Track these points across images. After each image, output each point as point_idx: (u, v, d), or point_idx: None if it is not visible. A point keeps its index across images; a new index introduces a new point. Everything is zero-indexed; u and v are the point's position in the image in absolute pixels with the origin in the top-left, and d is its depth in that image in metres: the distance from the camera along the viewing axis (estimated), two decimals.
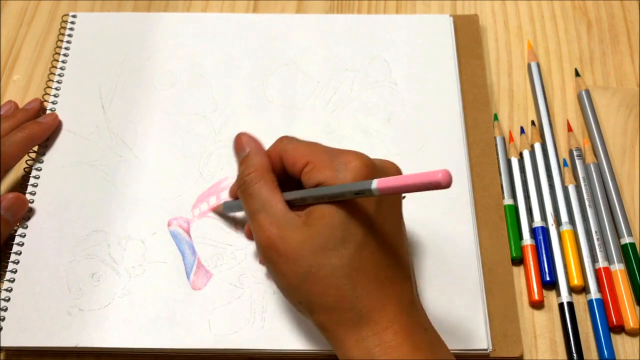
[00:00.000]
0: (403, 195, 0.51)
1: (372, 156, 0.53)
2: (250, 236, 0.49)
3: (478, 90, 0.57)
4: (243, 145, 0.45)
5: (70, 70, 0.58)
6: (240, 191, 0.43)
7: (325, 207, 0.40)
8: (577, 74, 0.60)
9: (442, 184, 0.33)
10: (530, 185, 0.54)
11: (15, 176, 0.55)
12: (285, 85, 0.57)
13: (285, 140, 0.44)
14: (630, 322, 0.48)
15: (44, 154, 0.54)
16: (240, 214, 0.51)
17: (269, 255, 0.41)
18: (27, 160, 0.54)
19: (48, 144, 0.54)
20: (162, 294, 0.48)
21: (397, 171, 0.43)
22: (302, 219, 0.40)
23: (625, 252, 0.50)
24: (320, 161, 0.41)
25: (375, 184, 0.37)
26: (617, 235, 0.51)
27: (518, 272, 0.51)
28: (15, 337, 0.46)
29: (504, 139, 0.56)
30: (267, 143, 0.54)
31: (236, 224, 0.51)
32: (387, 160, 0.43)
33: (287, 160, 0.43)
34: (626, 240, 0.51)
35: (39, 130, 0.53)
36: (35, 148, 0.54)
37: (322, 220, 0.39)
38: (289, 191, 0.42)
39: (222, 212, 0.51)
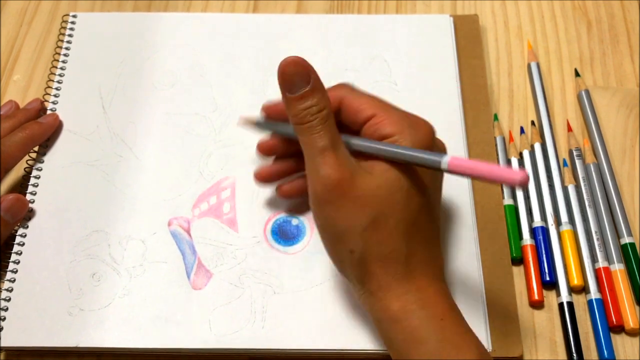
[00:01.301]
0: None
1: None
2: (285, 194, 0.49)
3: (478, 90, 0.57)
4: (308, 73, 0.40)
5: (70, 70, 0.58)
6: (308, 126, 0.40)
7: (387, 163, 0.40)
8: (577, 74, 0.60)
9: (517, 184, 0.35)
10: (530, 185, 0.54)
11: (15, 176, 0.55)
12: None
13: (345, 87, 0.44)
14: (630, 322, 0.48)
15: (44, 154, 0.54)
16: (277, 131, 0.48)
17: (332, 197, 0.40)
18: (27, 161, 0.54)
19: (48, 144, 0.54)
20: (162, 294, 0.48)
21: (441, 144, 0.44)
22: (367, 165, 0.40)
23: (625, 252, 0.50)
24: (390, 116, 0.41)
25: (447, 161, 0.38)
26: (617, 235, 0.51)
27: (518, 272, 0.51)
28: (16, 337, 0.46)
29: (504, 139, 0.56)
30: None
31: (237, 224, 0.51)
32: (437, 139, 0.44)
33: (348, 107, 0.42)
34: (626, 240, 0.51)
35: (39, 130, 0.53)
36: (36, 148, 0.54)
37: (388, 173, 0.40)
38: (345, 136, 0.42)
39: (252, 125, 0.49)
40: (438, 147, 0.43)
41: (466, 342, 0.39)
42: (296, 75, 0.40)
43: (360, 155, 0.42)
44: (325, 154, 0.40)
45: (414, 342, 0.39)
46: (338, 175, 0.39)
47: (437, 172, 0.41)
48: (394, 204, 0.40)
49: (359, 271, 0.41)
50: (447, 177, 0.52)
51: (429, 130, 0.42)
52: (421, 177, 0.41)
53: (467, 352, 0.39)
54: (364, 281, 0.41)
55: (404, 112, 0.42)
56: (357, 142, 0.42)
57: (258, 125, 0.49)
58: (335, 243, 0.42)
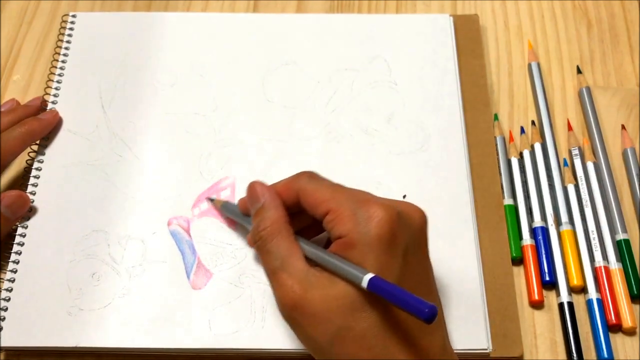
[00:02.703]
0: (404, 194, 0.51)
1: (372, 157, 0.54)
2: (252, 244, 0.49)
3: (478, 90, 0.57)
4: (257, 195, 0.43)
5: (70, 70, 0.58)
6: (257, 247, 0.42)
7: None
8: (578, 70, 0.60)
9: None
10: (530, 185, 0.54)
11: (15, 176, 0.55)
12: (285, 84, 0.57)
13: (305, 177, 0.43)
14: (628, 321, 0.48)
15: (44, 154, 0.54)
16: (235, 219, 0.50)
17: (293, 317, 0.39)
18: (27, 160, 0.54)
19: (48, 144, 0.54)
20: (162, 293, 0.48)
21: (421, 217, 0.41)
22: (324, 274, 0.39)
23: (620, 248, 0.50)
24: (343, 210, 0.39)
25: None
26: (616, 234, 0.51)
27: (518, 272, 0.51)
28: (15, 337, 0.46)
29: (504, 139, 0.56)
30: (266, 143, 0.54)
31: (236, 223, 0.51)
32: (412, 205, 0.42)
33: (306, 201, 0.42)
34: (621, 236, 0.51)
35: (38, 126, 0.53)
36: (36, 148, 0.54)
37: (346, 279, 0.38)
38: (303, 239, 0.42)
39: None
40: (408, 220, 0.40)
41: None
42: (250, 196, 0.44)
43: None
44: (276, 276, 0.40)
45: None
46: (290, 295, 0.38)
47: (415, 251, 0.40)
48: (355, 311, 0.37)
49: None
50: (447, 178, 0.53)
51: (383, 218, 0.38)
52: (387, 267, 0.38)
53: None
54: None
55: (359, 202, 0.39)
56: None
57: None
58: (314, 355, 0.41)
